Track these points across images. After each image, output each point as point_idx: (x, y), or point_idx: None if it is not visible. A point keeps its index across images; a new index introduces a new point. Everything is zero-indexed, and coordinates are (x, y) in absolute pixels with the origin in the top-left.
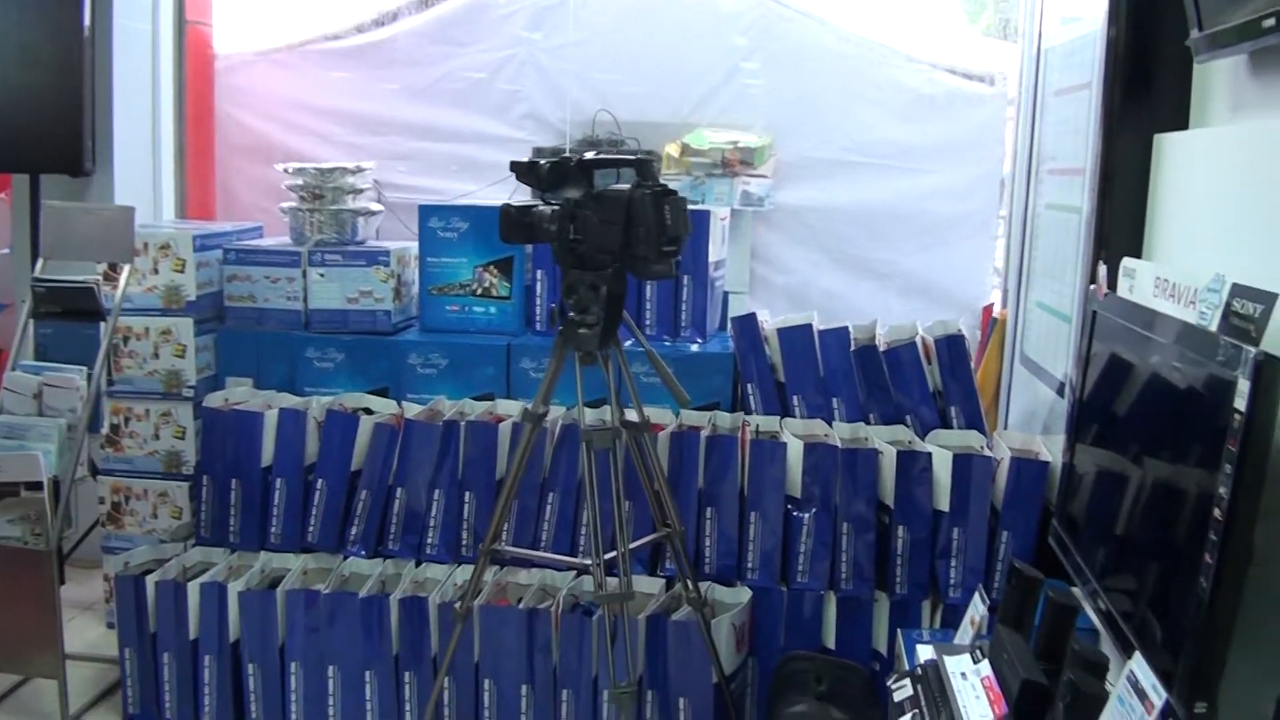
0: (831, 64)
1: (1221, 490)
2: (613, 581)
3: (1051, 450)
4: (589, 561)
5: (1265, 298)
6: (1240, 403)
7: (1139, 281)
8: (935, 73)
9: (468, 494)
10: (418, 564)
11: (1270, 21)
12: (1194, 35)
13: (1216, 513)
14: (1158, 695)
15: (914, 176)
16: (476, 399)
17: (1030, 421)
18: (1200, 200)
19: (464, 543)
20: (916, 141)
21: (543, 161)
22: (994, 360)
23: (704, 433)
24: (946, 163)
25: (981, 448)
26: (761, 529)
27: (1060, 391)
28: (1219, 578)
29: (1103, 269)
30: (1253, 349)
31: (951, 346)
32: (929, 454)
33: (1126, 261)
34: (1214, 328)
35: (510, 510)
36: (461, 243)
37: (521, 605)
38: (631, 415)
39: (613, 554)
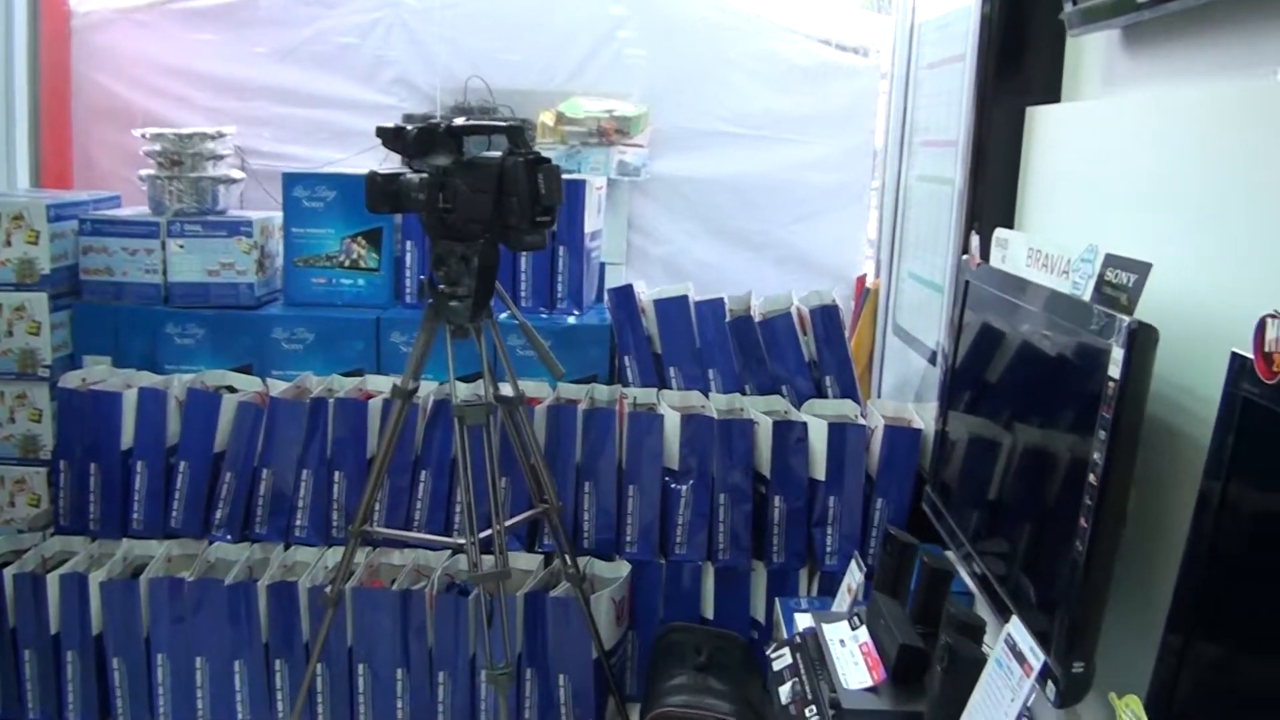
0: (708, 33)
1: (1096, 456)
2: (489, 560)
3: (924, 418)
4: (464, 540)
5: (1138, 267)
6: (1114, 370)
7: (1011, 252)
8: (811, 44)
9: (337, 474)
10: (286, 547)
11: None
12: (1068, 9)
13: (1092, 478)
14: (1035, 657)
15: (789, 147)
16: (345, 375)
17: (903, 390)
18: (1071, 172)
19: (334, 524)
20: (792, 112)
21: (410, 127)
22: (867, 330)
23: (581, 406)
24: (821, 134)
25: (856, 417)
26: (640, 502)
27: (932, 360)
28: (1095, 541)
29: (975, 240)
30: (1126, 317)
31: (826, 317)
32: (805, 424)
33: (999, 232)
34: (1087, 297)
35: (381, 490)
36: (328, 212)
37: (395, 587)
38: (506, 390)
39: (488, 532)
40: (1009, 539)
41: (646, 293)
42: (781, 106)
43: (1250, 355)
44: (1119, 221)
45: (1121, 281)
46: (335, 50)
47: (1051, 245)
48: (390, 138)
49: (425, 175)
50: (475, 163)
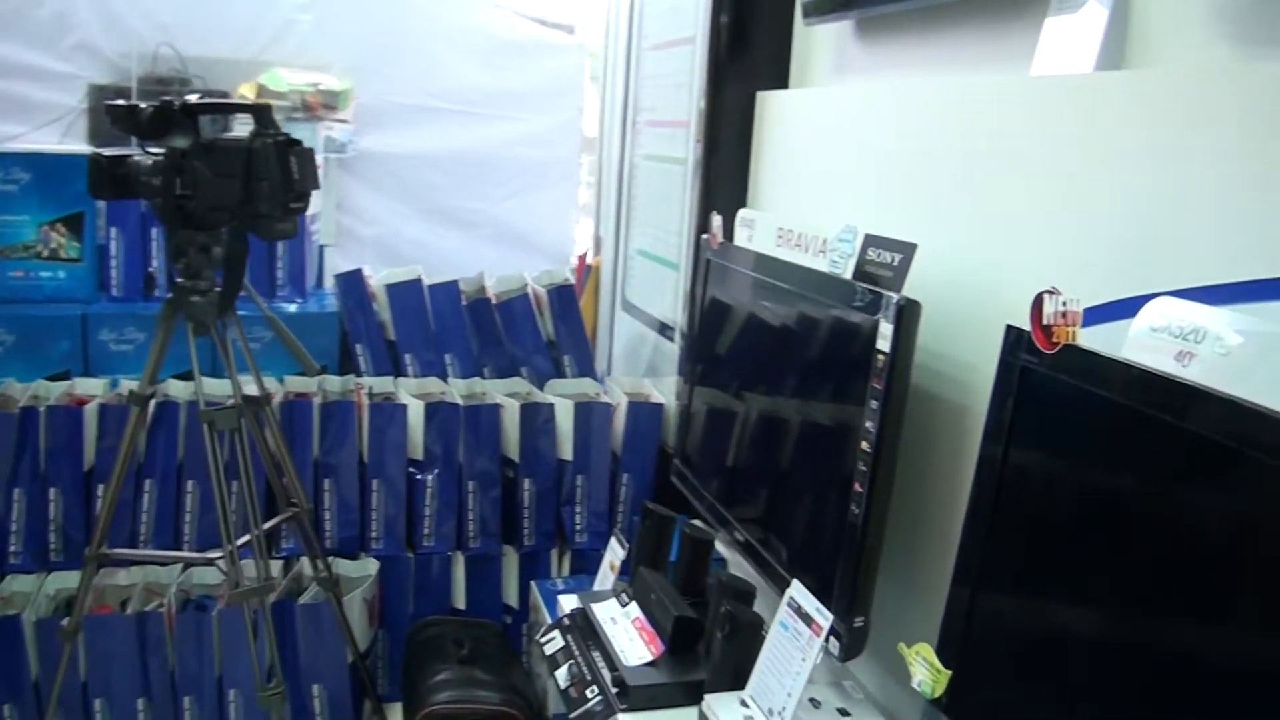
0: (414, 3)
1: (869, 425)
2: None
3: (662, 392)
4: (214, 554)
5: (905, 248)
6: (884, 344)
7: (759, 231)
8: (517, 19)
9: (52, 491)
10: (1, 577)
11: None
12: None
13: (865, 445)
14: (823, 617)
15: (498, 123)
16: (51, 379)
17: (634, 364)
18: (806, 154)
19: (53, 547)
20: (500, 88)
21: (144, 105)
22: (590, 306)
23: (315, 400)
24: (530, 110)
25: (598, 395)
26: (384, 496)
27: (664, 333)
28: (870, 503)
29: (717, 219)
30: (895, 294)
31: (562, 296)
32: (551, 405)
33: (744, 212)
34: (847, 275)
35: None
36: (23, 197)
37: (129, 610)
38: (249, 388)
39: (245, 539)
40: (776, 506)
41: (375, 277)
42: (489, 82)
43: (1027, 328)
44: (853, 200)
45: (885, 260)
46: (7, 10)
47: (804, 225)
48: (121, 117)
49: (159, 158)
50: (218, 145)
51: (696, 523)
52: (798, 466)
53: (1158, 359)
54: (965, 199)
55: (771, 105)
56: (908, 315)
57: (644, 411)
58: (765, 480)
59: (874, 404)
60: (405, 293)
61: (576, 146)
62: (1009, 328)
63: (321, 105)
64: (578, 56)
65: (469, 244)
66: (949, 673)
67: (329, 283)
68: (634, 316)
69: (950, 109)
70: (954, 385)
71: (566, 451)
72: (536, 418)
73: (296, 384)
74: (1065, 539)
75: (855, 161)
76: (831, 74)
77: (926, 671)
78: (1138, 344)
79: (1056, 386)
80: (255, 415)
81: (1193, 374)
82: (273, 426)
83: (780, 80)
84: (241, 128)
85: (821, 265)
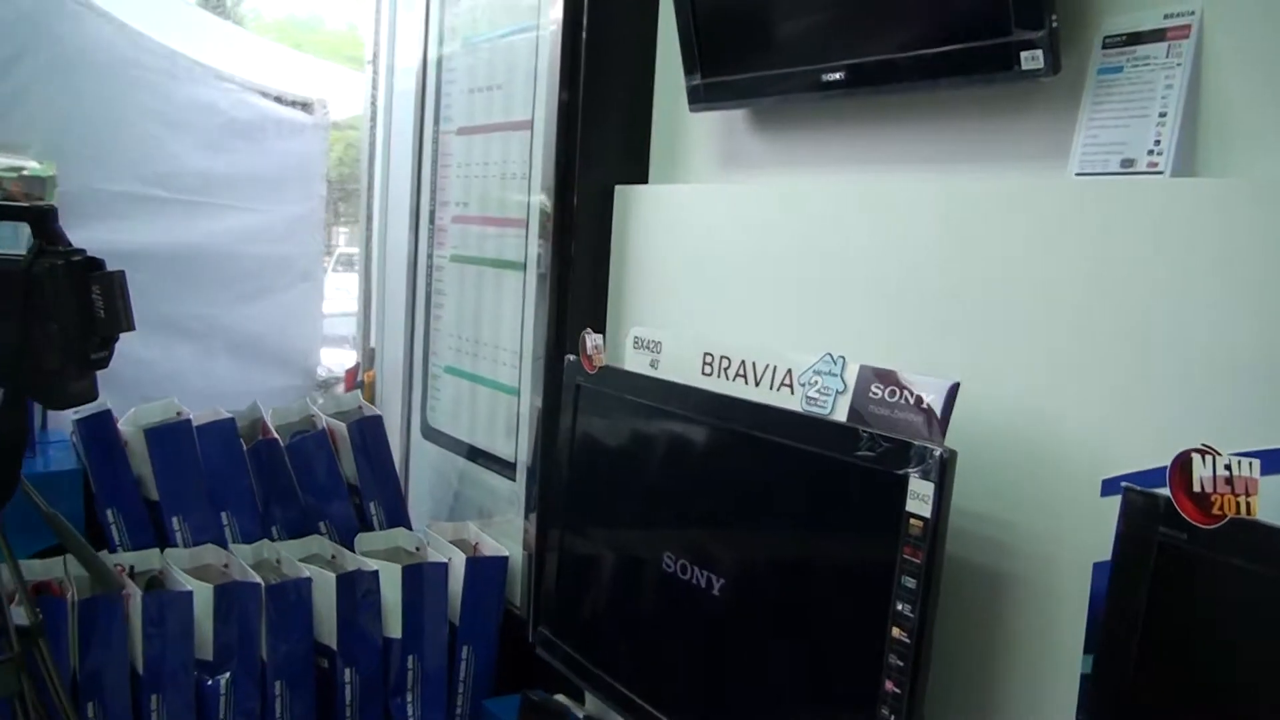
0: (123, 74)
1: (903, 607)
2: None
3: (496, 539)
4: None
5: (941, 387)
6: (919, 506)
7: (669, 355)
8: (246, 94)
9: None
10: None
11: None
12: (694, 82)
13: (899, 632)
14: None
15: (228, 214)
16: None
17: (440, 503)
18: (684, 260)
19: None
20: (229, 173)
21: None
22: None
23: (69, 596)
24: (264, 199)
25: (418, 549)
26: (165, 713)
27: (491, 467)
28: (910, 706)
29: (594, 338)
30: (935, 446)
31: (366, 430)
32: (374, 572)
33: (641, 330)
34: (837, 416)
35: None
36: None
37: None
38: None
39: None
40: (745, 705)
41: (124, 418)
42: (217, 167)
43: (1168, 494)
44: (762, 313)
45: (903, 401)
46: None
47: (736, 349)
48: None
49: None
50: None
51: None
52: (779, 657)
53: None
54: (934, 312)
55: (638, 202)
56: (950, 471)
57: (485, 568)
58: (719, 670)
59: (909, 581)
60: (169, 437)
61: (320, 241)
62: (1129, 490)
63: (25, 194)
64: (320, 138)
65: (202, 359)
66: None
67: (52, 425)
68: (441, 445)
69: (915, 208)
70: (978, 545)
71: (394, 628)
72: (355, 589)
73: (36, 569)
74: None
75: (763, 268)
76: (718, 168)
77: None
78: None
79: (1216, 570)
80: (27, 653)
81: None
82: (50, 665)
83: (639, 173)
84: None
85: (791, 403)
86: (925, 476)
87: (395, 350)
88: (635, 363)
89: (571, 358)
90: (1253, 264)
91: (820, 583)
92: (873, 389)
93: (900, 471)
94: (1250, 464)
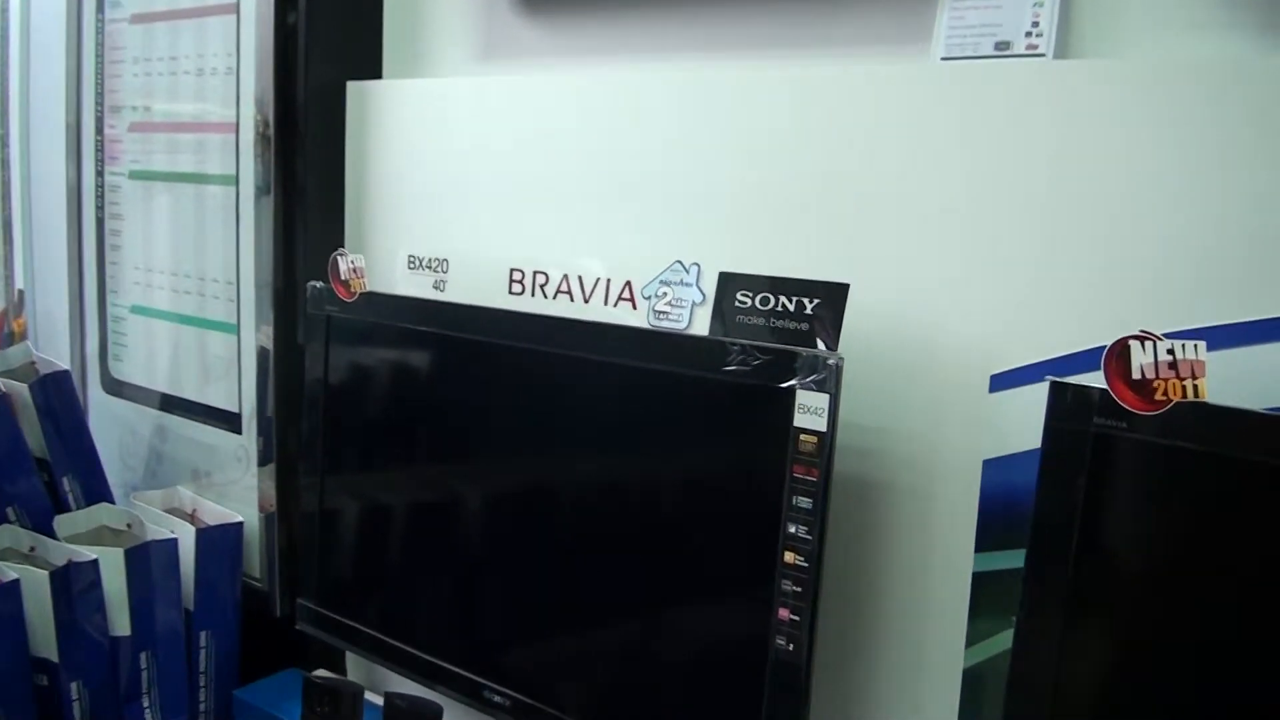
0: None
1: (797, 529)
2: None
3: (216, 504)
4: None
5: (827, 290)
6: (811, 420)
7: (459, 274)
8: None
9: None
10: None
11: None
12: None
13: (792, 557)
14: None
15: None
16: None
17: (131, 466)
18: (447, 168)
19: None
20: None
21: None
22: None
23: None
24: None
25: (129, 526)
26: None
27: (209, 420)
28: (812, 631)
29: (351, 260)
30: (827, 354)
31: (52, 390)
32: (94, 561)
33: (418, 251)
34: (698, 330)
35: None
36: None
37: None
38: None
39: None
40: (600, 652)
41: None
42: None
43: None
44: (561, 222)
45: (780, 308)
46: None
47: (568, 265)
48: None
49: None
50: None
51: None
52: (652, 602)
53: None
54: (786, 214)
55: (379, 101)
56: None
57: (217, 540)
58: (569, 618)
59: (803, 501)
60: None
61: None
62: (1057, 385)
63: None
64: None
65: None
66: None
67: None
68: (132, 400)
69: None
70: (855, 456)
71: (121, 624)
72: (72, 586)
73: None
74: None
75: (561, 174)
76: (478, 59)
77: None
78: None
79: (1163, 455)
80: None
81: None
82: None
83: (373, 66)
84: None
85: (635, 320)
86: (819, 388)
87: (55, 291)
88: (411, 286)
89: (318, 284)
90: (1142, 146)
91: (691, 516)
92: (739, 297)
93: (785, 385)
94: (1195, 345)
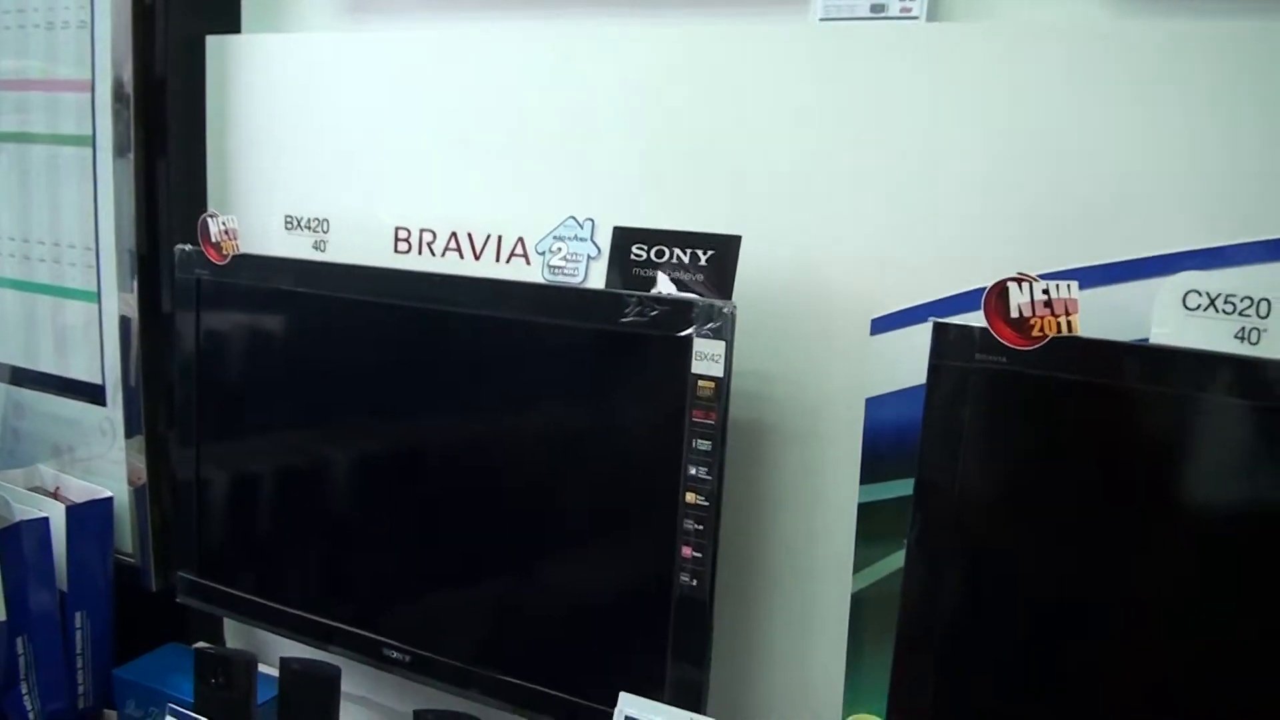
0: None
1: (697, 470)
2: None
3: (81, 480)
4: None
5: (720, 242)
6: (709, 367)
7: (340, 234)
8: None
9: None
10: None
11: None
12: None
13: (694, 497)
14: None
15: None
16: None
17: None
18: (317, 124)
19: None
20: None
21: None
22: None
23: None
24: None
25: None
26: None
27: (68, 393)
28: (714, 567)
29: (223, 221)
30: (723, 303)
31: None
32: None
33: (296, 209)
34: (595, 284)
35: None
36: None
37: None
38: None
39: None
40: (506, 600)
41: None
42: None
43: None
44: (444, 181)
45: (675, 260)
46: None
47: (456, 222)
48: None
49: None
50: None
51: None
52: (546, 543)
53: (1211, 339)
54: (670, 169)
55: (239, 57)
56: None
57: (88, 516)
58: (476, 570)
59: (702, 444)
60: None
61: None
62: (940, 325)
63: None
64: None
65: None
66: None
67: None
68: None
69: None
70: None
71: None
72: None
73: None
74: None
75: (443, 132)
76: (345, 14)
77: None
78: (1173, 326)
79: (1040, 387)
80: None
81: (1268, 350)
82: None
83: (231, 20)
84: None
85: (529, 276)
86: (715, 335)
87: None
88: (290, 247)
89: (186, 248)
90: (1009, 103)
91: (594, 464)
92: (635, 251)
93: (683, 334)
94: (1069, 285)
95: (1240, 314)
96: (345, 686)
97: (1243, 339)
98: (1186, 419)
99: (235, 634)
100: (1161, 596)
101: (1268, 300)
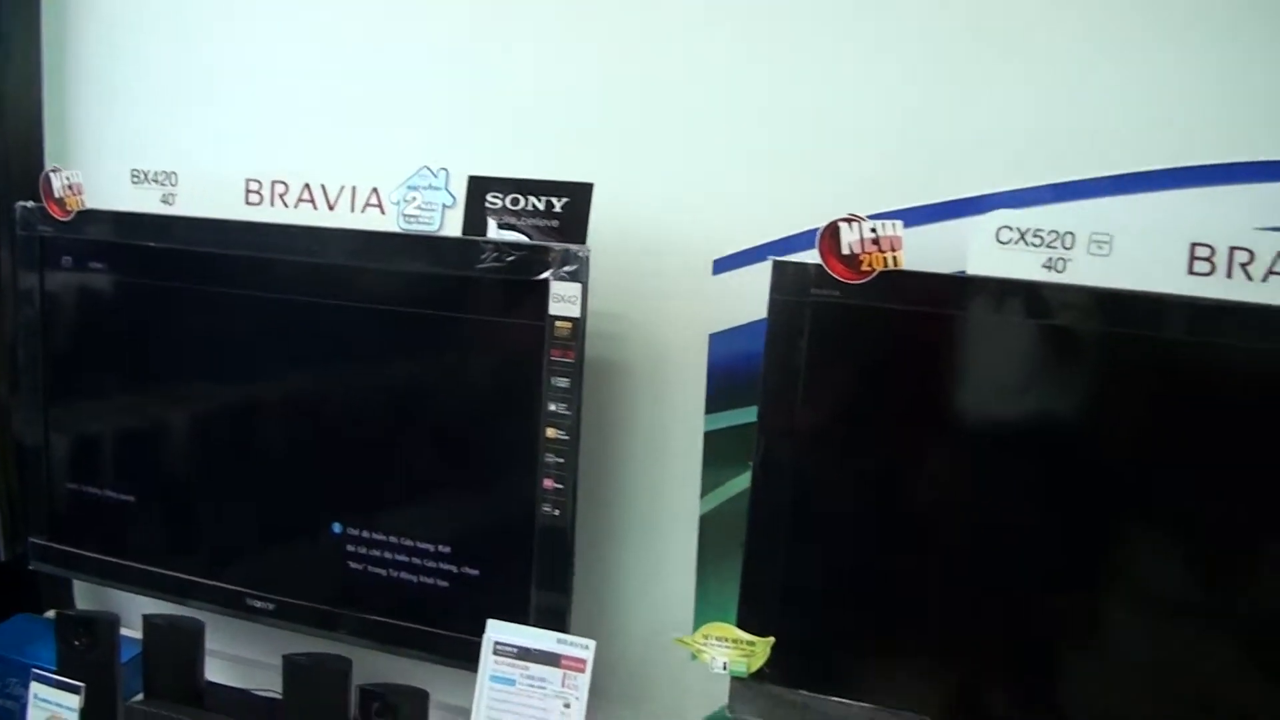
0: None
1: (557, 406)
2: None
3: None
4: None
5: (573, 190)
6: (566, 308)
7: (189, 186)
8: None
9: None
10: None
11: None
12: None
13: (554, 432)
14: (579, 647)
15: None
16: None
17: None
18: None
19: None
20: None
21: None
22: None
23: None
24: None
25: None
26: None
27: None
28: (575, 498)
29: (67, 175)
30: (578, 247)
31: None
32: None
33: (142, 163)
34: (450, 232)
35: None
36: None
37: None
38: None
39: None
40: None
41: None
42: None
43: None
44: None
45: (529, 208)
46: None
47: (309, 173)
48: None
49: None
50: None
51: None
52: (414, 483)
53: (1022, 269)
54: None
55: (81, 3)
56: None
57: None
58: (343, 511)
59: (561, 381)
60: None
61: None
62: (779, 263)
63: None
64: None
65: None
66: (771, 639)
67: None
68: None
69: None
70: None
71: None
72: None
73: None
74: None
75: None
76: None
77: (731, 650)
78: (988, 258)
79: (871, 316)
80: None
81: (1071, 278)
82: None
83: None
84: None
85: (384, 225)
86: (571, 278)
87: None
88: (137, 201)
89: (28, 204)
90: (845, 60)
91: (458, 406)
92: (490, 199)
93: (540, 277)
94: (894, 224)
95: (1048, 246)
96: (211, 645)
97: (1050, 268)
98: (999, 341)
99: (86, 598)
100: (978, 504)
101: (1072, 233)
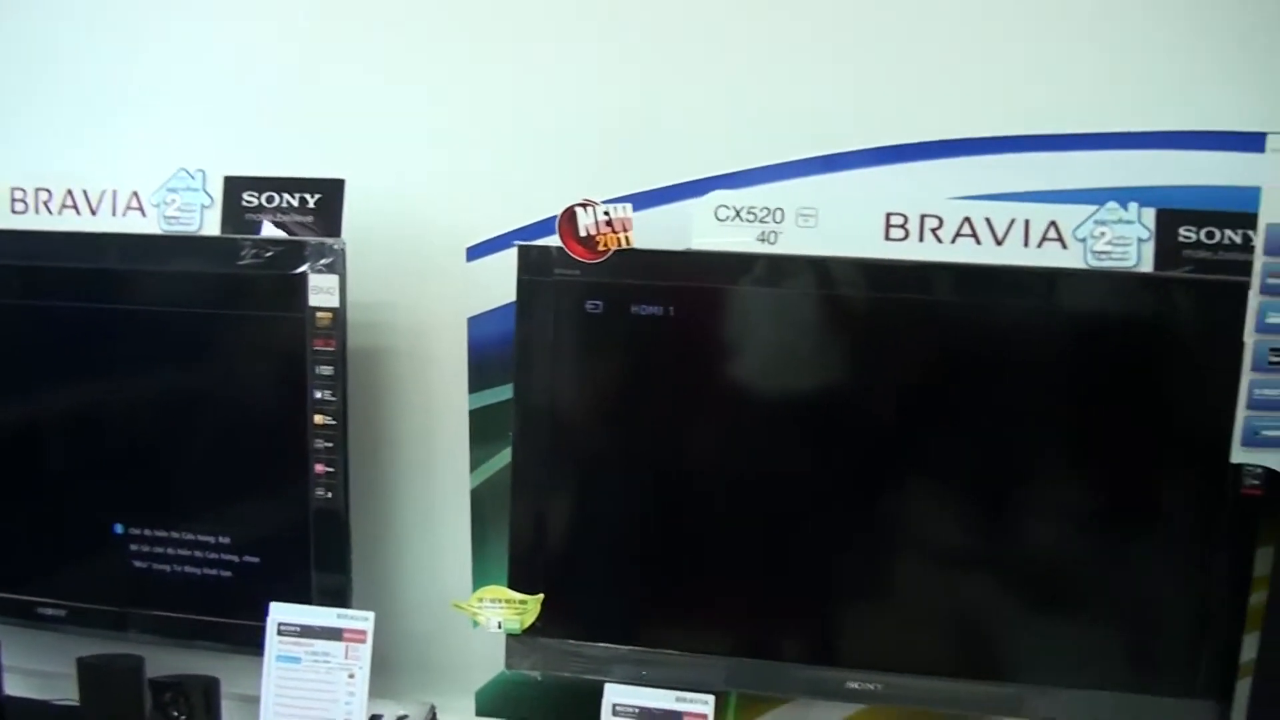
0: None
1: (323, 394)
2: None
3: None
4: None
5: (326, 186)
6: (325, 299)
7: None
8: None
9: None
10: None
11: None
12: None
13: (322, 418)
14: (359, 619)
15: None
16: None
17: None
18: None
19: None
20: None
21: None
22: None
23: None
24: None
25: None
26: None
27: None
28: (347, 480)
29: None
30: (336, 241)
31: None
32: None
33: None
34: (203, 230)
35: None
36: None
37: None
38: None
39: None
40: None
41: None
42: None
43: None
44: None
45: (284, 205)
46: None
47: (69, 178)
48: None
49: None
50: None
51: None
52: (180, 478)
53: (739, 242)
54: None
55: None
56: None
57: None
58: (105, 513)
59: (325, 369)
60: None
61: None
62: (523, 247)
63: None
64: None
65: None
66: (540, 596)
67: None
68: None
69: None
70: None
71: None
72: None
73: None
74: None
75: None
76: None
77: (505, 610)
78: (708, 234)
79: (608, 291)
80: None
81: (784, 248)
82: None
83: None
84: None
85: (144, 227)
86: (329, 270)
87: None
88: None
89: None
90: (585, 56)
91: (225, 399)
92: (246, 197)
93: (298, 271)
94: (624, 207)
95: (760, 221)
96: (8, 660)
97: (764, 240)
98: (724, 306)
99: None
100: (709, 455)
101: (782, 209)
